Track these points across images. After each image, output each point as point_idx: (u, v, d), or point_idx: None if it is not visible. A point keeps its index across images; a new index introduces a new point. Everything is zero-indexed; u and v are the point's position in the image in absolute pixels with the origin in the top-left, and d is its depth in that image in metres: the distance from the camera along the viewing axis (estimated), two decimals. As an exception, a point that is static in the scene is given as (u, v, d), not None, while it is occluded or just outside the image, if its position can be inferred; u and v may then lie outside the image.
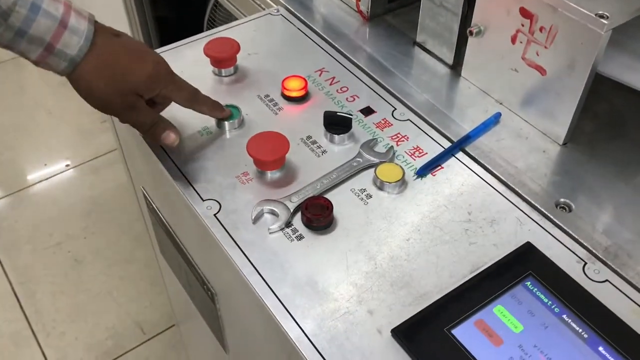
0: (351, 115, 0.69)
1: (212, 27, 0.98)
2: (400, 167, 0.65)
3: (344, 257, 0.58)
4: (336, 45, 0.83)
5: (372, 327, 0.52)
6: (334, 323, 0.53)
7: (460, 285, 0.54)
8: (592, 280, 0.55)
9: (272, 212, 0.61)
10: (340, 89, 0.76)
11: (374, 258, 0.58)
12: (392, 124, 0.71)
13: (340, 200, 0.63)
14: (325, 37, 0.85)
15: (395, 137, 0.70)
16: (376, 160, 0.66)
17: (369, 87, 0.77)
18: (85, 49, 0.57)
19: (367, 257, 0.58)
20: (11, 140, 2.12)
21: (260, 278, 0.57)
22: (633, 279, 0.55)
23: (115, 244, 1.80)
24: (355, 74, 0.79)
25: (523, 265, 0.56)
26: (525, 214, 0.61)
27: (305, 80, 0.75)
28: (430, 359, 0.49)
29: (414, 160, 0.67)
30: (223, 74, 0.78)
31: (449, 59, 0.80)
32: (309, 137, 0.70)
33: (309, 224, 0.60)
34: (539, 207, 0.62)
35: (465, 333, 0.50)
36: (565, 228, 0.60)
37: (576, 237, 0.59)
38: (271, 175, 0.65)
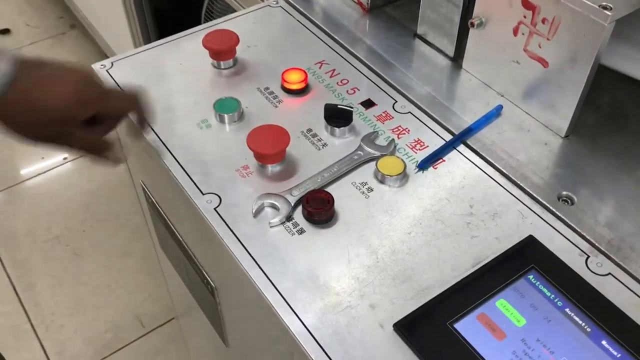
0: (352, 108, 0.68)
1: (210, 20, 0.97)
2: (402, 160, 0.64)
3: (345, 251, 0.58)
4: (336, 38, 0.83)
5: (374, 322, 0.52)
6: (336, 317, 0.53)
7: (463, 279, 0.54)
8: (595, 274, 0.55)
9: (273, 206, 0.61)
10: (341, 82, 0.76)
11: (375, 252, 0.57)
12: (393, 117, 0.71)
13: (341, 193, 0.62)
14: (325, 29, 0.84)
15: (397, 129, 0.69)
16: (377, 153, 0.66)
17: (369, 79, 0.76)
18: (5, 87, 0.53)
19: (369, 250, 0.58)
20: (8, 133, 2.11)
21: (261, 272, 0.56)
22: (636, 272, 0.55)
23: (114, 237, 1.79)
24: (355, 66, 0.78)
25: (525, 258, 0.55)
26: (528, 207, 0.61)
27: (305, 73, 0.74)
28: (432, 354, 0.49)
29: (415, 153, 0.67)
30: (222, 67, 0.77)
31: (450, 51, 0.79)
32: (309, 130, 0.69)
33: (310, 218, 0.60)
34: (541, 200, 0.61)
35: (467, 327, 0.50)
36: (567, 221, 0.60)
37: (579, 230, 0.59)
38: (272, 168, 0.65)
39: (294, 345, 0.52)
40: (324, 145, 0.68)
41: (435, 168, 0.65)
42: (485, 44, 0.72)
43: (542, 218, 0.60)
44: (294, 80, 0.73)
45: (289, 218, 0.60)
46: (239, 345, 0.77)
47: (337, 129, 0.68)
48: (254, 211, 0.60)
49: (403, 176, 0.63)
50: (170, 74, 0.78)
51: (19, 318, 1.61)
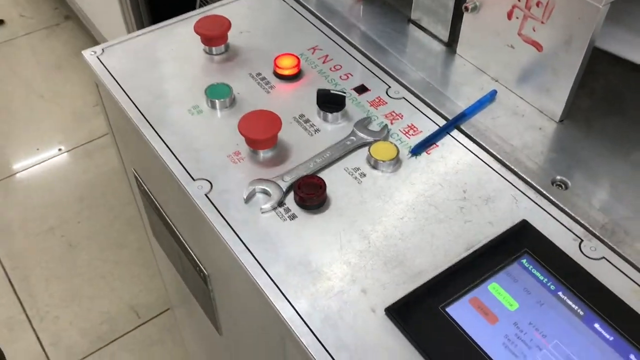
0: (344, 93, 0.68)
1: (205, 5, 0.96)
2: (395, 145, 0.64)
3: (338, 236, 0.57)
4: (330, 23, 0.82)
5: (366, 306, 0.52)
6: (328, 302, 0.52)
7: (455, 264, 0.53)
8: (589, 258, 0.54)
9: (265, 192, 0.60)
10: (334, 67, 0.75)
11: (367, 237, 0.57)
12: (386, 102, 0.70)
13: (334, 179, 0.62)
14: (319, 15, 0.83)
15: (390, 115, 0.69)
16: (370, 138, 0.65)
17: (362, 65, 0.76)
18: None
19: (361, 236, 0.57)
20: (3, 124, 2.10)
21: (253, 258, 0.56)
22: (630, 256, 0.55)
23: (109, 228, 1.79)
24: (349, 52, 0.78)
25: (519, 242, 0.55)
26: (521, 191, 0.61)
27: (298, 58, 0.73)
28: (424, 338, 0.48)
29: (409, 138, 0.66)
30: (214, 52, 0.77)
31: (444, 36, 0.78)
32: (301, 116, 0.69)
33: (302, 204, 0.59)
34: (535, 184, 0.61)
35: (460, 311, 0.49)
36: (561, 205, 0.59)
37: (573, 214, 0.58)
38: (263, 154, 0.64)
39: (285, 331, 0.52)
40: (317, 131, 0.67)
41: (429, 153, 0.65)
42: (480, 28, 0.72)
43: (535, 203, 0.60)
44: (287, 65, 0.73)
45: (280, 204, 0.60)
46: (232, 333, 0.77)
47: (329, 115, 0.67)
48: (245, 197, 0.60)
49: (396, 161, 0.63)
50: (162, 59, 0.77)
51: (14, 309, 1.61)
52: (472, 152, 0.65)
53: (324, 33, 0.80)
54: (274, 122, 0.63)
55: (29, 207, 1.85)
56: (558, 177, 0.62)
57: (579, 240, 0.56)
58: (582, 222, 0.58)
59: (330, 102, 0.67)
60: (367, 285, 0.53)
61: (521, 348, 0.47)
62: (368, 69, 0.75)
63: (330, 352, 0.49)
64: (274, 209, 0.59)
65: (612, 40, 0.67)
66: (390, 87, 0.72)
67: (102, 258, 1.72)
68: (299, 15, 0.84)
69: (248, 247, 0.56)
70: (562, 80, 0.65)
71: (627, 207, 0.60)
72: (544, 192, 0.60)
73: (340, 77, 0.74)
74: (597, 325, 0.49)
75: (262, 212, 0.59)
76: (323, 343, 0.49)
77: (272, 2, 0.86)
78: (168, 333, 1.56)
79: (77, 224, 1.80)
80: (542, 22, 0.64)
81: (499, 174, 0.63)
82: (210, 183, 0.62)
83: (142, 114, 0.69)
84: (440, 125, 0.67)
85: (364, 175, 0.62)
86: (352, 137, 0.65)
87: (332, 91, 0.67)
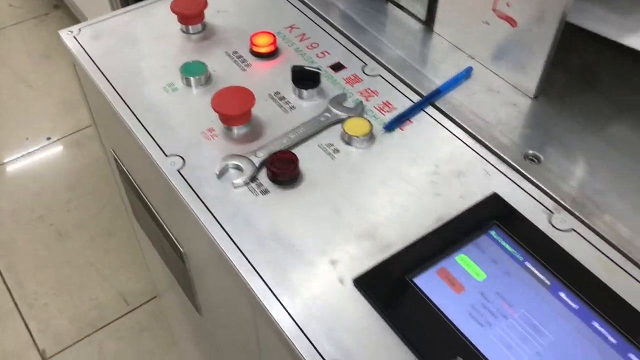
0: (319, 69, 0.68)
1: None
2: (369, 121, 0.64)
3: (309, 210, 0.57)
4: (307, 2, 0.82)
5: (334, 278, 0.52)
6: (297, 275, 0.52)
7: (424, 236, 0.54)
8: (558, 229, 0.55)
9: (237, 167, 0.60)
10: (311, 45, 0.75)
11: (339, 212, 0.57)
12: (361, 79, 0.70)
13: (307, 155, 0.62)
14: (297, -6, 0.83)
15: (365, 92, 0.69)
16: (344, 115, 0.65)
17: (340, 43, 0.75)
18: None
19: (333, 210, 0.57)
20: (-9, 114, 2.09)
21: (225, 233, 0.56)
22: (599, 228, 0.55)
23: (98, 217, 1.79)
24: (326, 30, 0.77)
25: (488, 215, 0.55)
26: (493, 165, 0.61)
27: (274, 36, 0.73)
28: (391, 307, 0.48)
29: (384, 115, 0.66)
30: (191, 32, 0.76)
31: (422, 14, 0.78)
32: (277, 93, 0.68)
33: (275, 179, 0.59)
34: (507, 159, 0.61)
35: (426, 281, 0.50)
36: (533, 179, 0.59)
37: (544, 188, 0.58)
38: (237, 131, 0.64)
39: (255, 305, 0.52)
40: (292, 108, 0.67)
41: (403, 130, 0.65)
42: (456, 6, 0.72)
43: (507, 177, 0.60)
44: (263, 43, 0.72)
45: (253, 179, 0.60)
46: (211, 312, 0.77)
47: (304, 91, 0.67)
48: (217, 172, 0.60)
49: (369, 137, 0.63)
50: (139, 38, 0.77)
51: (2, 298, 1.61)
52: (445, 127, 0.65)
53: (302, 12, 0.80)
54: (247, 98, 0.63)
55: (18, 196, 1.85)
56: (531, 152, 0.62)
57: (550, 213, 0.56)
58: (553, 195, 0.58)
59: (305, 78, 0.67)
60: (336, 257, 0.53)
61: (487, 317, 0.48)
62: (345, 47, 0.75)
63: (299, 324, 0.49)
64: (247, 184, 0.59)
65: (586, 17, 0.67)
66: (366, 64, 0.72)
67: (91, 246, 1.72)
68: (278, -5, 0.83)
69: (220, 222, 0.56)
70: (536, 56, 0.65)
71: (600, 182, 0.60)
72: (516, 166, 0.60)
73: (317, 55, 0.73)
74: (562, 295, 0.49)
75: (235, 187, 0.59)
76: (291, 313, 0.49)
77: (251, -17, 0.86)
78: (157, 320, 1.57)
79: (67, 212, 1.80)
80: (516, -3, 0.64)
81: (472, 149, 0.63)
82: (183, 159, 0.62)
83: (116, 92, 0.68)
84: (415, 102, 0.67)
85: (338, 151, 0.62)
86: (326, 114, 0.65)
87: (306, 67, 0.67)
